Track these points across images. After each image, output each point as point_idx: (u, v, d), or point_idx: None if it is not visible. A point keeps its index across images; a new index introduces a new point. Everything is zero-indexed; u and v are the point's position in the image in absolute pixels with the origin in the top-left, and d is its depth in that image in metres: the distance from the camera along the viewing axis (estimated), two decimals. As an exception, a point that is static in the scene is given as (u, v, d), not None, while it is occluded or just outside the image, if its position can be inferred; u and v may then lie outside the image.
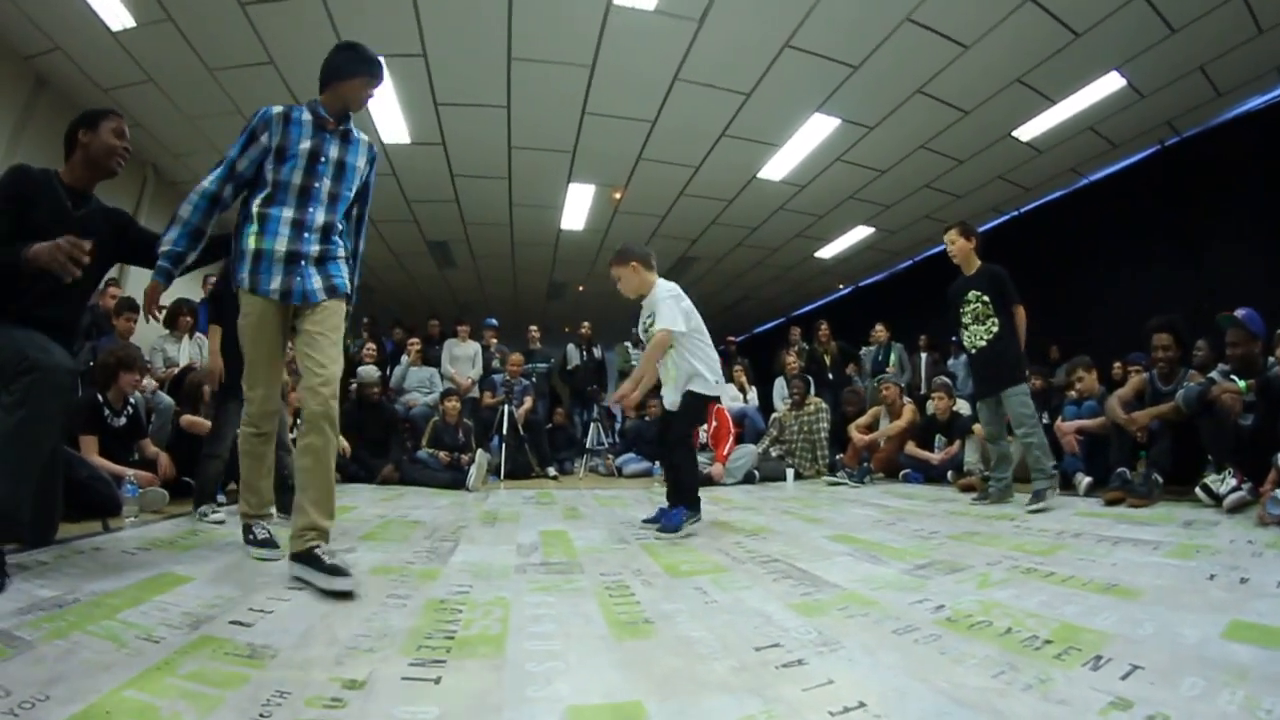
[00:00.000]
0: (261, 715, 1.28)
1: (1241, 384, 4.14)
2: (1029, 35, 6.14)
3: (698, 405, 3.88)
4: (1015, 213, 10.61)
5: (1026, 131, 8.02)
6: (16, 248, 2.25)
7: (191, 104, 7.15)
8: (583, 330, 10.12)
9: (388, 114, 7.40)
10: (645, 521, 3.86)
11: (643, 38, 6.17)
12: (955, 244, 4.97)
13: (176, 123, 7.38)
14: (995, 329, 4.73)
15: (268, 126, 2.59)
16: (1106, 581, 2.30)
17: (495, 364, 8.95)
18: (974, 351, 4.89)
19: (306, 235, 2.60)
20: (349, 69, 2.66)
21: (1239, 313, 4.39)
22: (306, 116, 2.65)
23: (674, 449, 3.94)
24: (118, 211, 2.90)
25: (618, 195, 9.69)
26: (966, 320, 4.91)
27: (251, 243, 2.56)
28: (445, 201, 9.96)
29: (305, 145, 2.60)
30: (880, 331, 9.74)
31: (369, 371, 7.19)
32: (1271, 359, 4.07)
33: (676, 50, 6.39)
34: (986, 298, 4.77)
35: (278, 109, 2.62)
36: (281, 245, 2.56)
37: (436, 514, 4.43)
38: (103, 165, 2.67)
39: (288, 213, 2.58)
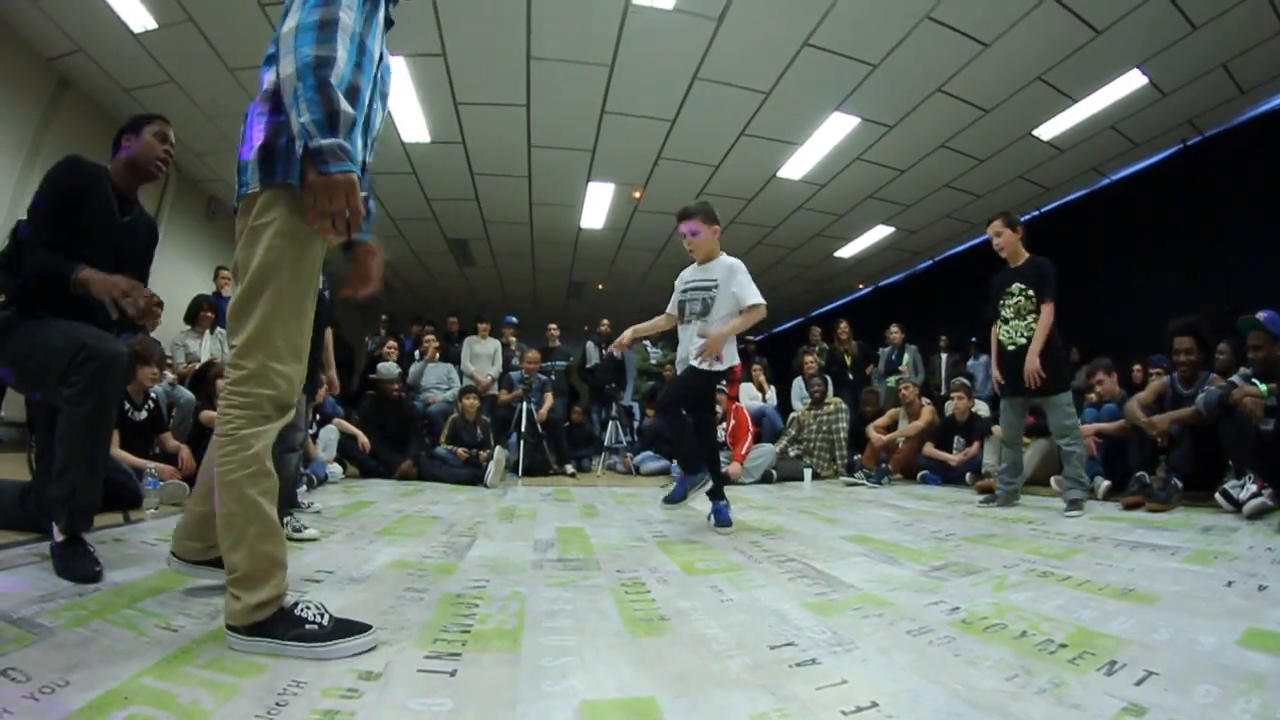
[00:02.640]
0: (278, 704, 1.29)
1: (1263, 388, 4.09)
2: (1049, 33, 6.09)
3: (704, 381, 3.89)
4: (1035, 212, 10.52)
5: (1047, 130, 7.96)
6: (68, 263, 2.32)
7: (212, 103, 7.23)
8: (603, 328, 10.12)
9: (408, 113, 7.45)
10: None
11: (661, 37, 6.17)
12: (1001, 235, 4.74)
13: (198, 122, 7.46)
14: (1035, 327, 4.56)
15: None
16: (1123, 586, 2.29)
17: (515, 361, 8.98)
18: (1011, 348, 4.67)
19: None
20: None
21: (1261, 315, 4.34)
22: None
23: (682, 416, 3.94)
24: (154, 226, 2.91)
25: (637, 194, 9.71)
26: (1008, 314, 4.73)
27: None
28: (465, 200, 10.01)
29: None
30: (895, 333, 9.72)
31: (389, 368, 7.23)
32: (1295, 363, 4.04)
33: (695, 49, 6.39)
34: (1031, 291, 4.61)
35: None
36: None
37: (454, 510, 4.45)
38: (143, 168, 2.68)
39: None
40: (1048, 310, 4.49)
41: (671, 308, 4.10)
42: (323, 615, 1.63)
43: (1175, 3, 5.71)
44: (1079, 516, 4.10)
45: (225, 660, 1.51)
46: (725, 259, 3.92)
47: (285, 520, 3.27)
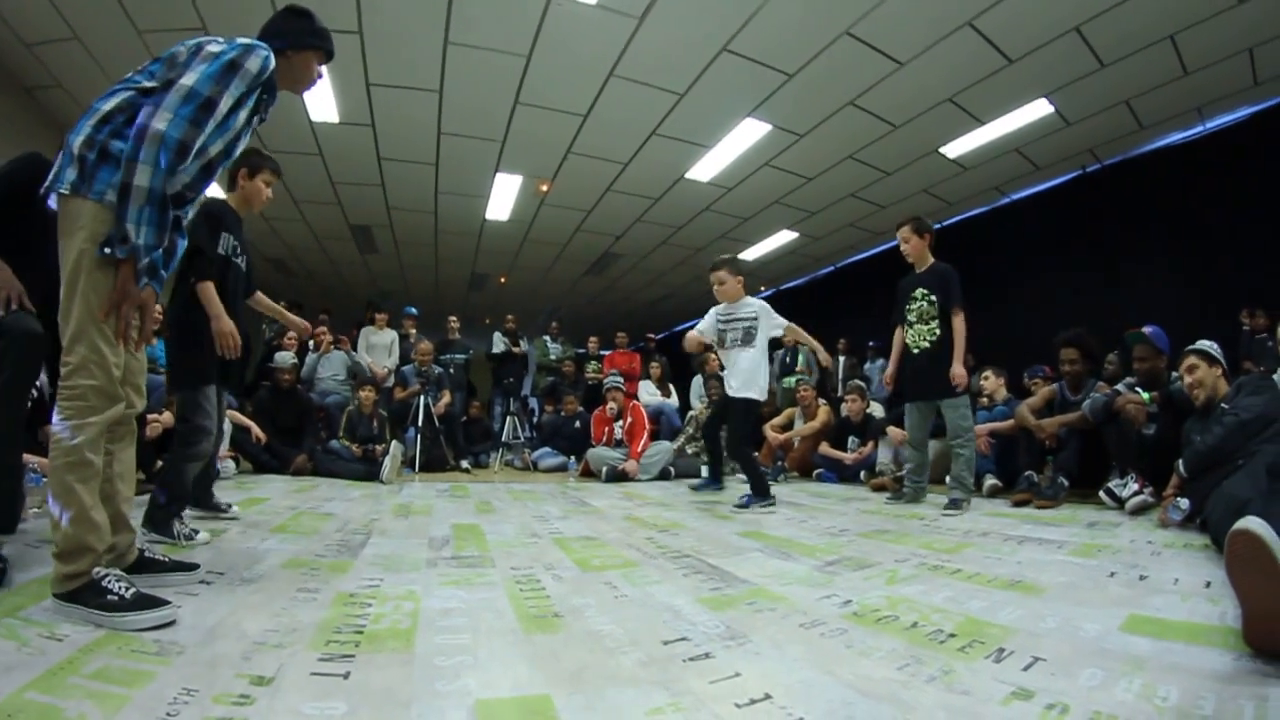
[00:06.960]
0: (169, 714, 1.23)
1: (1145, 396, 4.31)
2: (964, 58, 6.32)
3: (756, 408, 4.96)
4: (937, 226, 10.84)
5: (954, 149, 8.25)
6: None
7: (117, 67, 6.71)
8: (508, 324, 10.03)
9: (317, 91, 7.12)
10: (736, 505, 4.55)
11: (581, 31, 6.11)
12: (909, 242, 4.82)
13: (100, 86, 6.95)
14: (938, 332, 4.67)
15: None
16: (1011, 578, 2.36)
17: (412, 355, 8.79)
18: (915, 352, 4.79)
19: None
20: (309, 40, 2.48)
21: (1146, 330, 4.57)
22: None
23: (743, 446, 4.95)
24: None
25: (545, 187, 9.60)
26: (911, 319, 4.82)
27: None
28: (370, 185, 9.71)
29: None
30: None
31: (284, 357, 6.95)
32: (1175, 374, 4.26)
33: (614, 46, 6.35)
34: (933, 297, 4.69)
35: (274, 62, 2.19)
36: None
37: (349, 506, 4.32)
38: None
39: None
40: (959, 320, 4.59)
41: (709, 336, 5.07)
42: (127, 589, 1.78)
43: (1087, 41, 6.00)
44: (956, 515, 4.20)
45: (112, 670, 1.42)
46: (752, 300, 4.95)
47: (175, 528, 3.00)
